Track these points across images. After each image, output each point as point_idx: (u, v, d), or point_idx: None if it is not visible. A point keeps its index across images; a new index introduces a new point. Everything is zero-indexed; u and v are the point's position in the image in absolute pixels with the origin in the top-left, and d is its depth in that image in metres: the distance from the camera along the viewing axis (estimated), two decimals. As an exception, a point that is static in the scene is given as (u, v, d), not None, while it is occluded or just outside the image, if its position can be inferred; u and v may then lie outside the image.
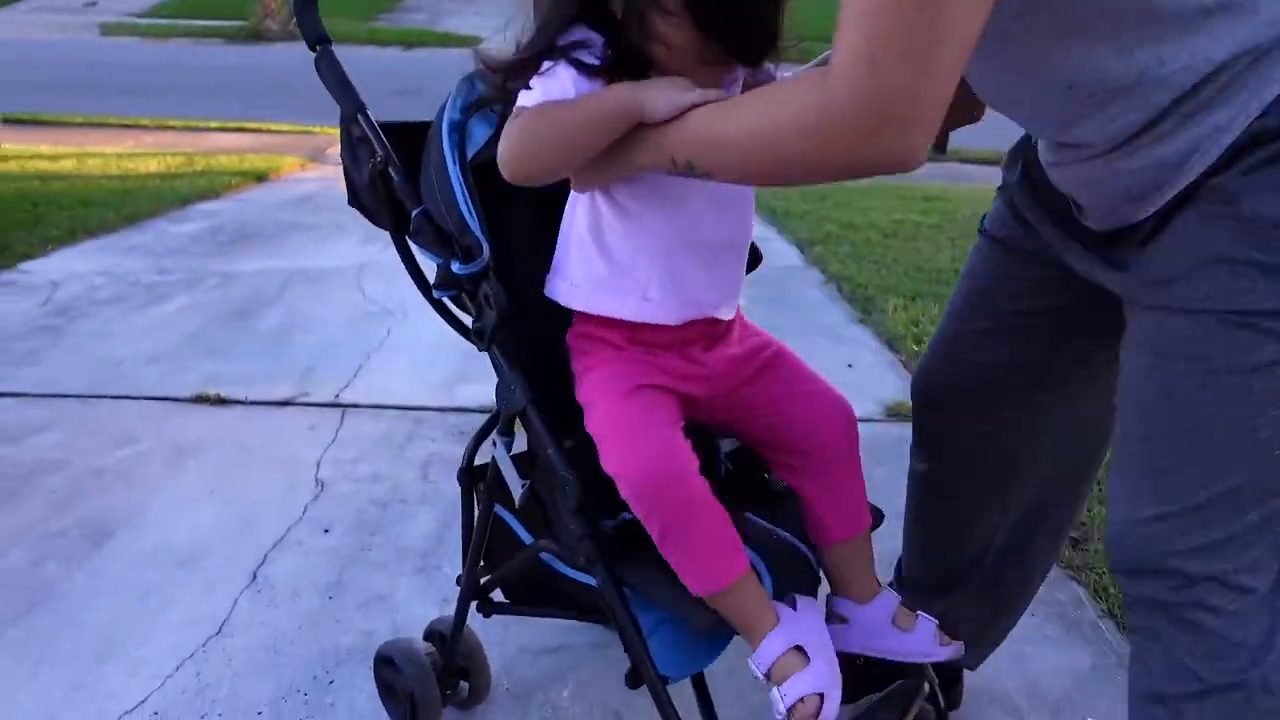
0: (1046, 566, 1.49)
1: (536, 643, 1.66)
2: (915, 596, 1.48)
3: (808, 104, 0.83)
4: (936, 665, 1.54)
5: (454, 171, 1.15)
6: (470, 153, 1.20)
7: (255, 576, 1.83)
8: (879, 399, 2.78)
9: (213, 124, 8.15)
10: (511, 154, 0.98)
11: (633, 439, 1.04)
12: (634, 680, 1.11)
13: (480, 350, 1.18)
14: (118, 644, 1.63)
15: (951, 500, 1.42)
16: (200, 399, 2.59)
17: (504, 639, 1.66)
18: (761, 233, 4.90)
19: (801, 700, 1.02)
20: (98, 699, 1.50)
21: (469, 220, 1.13)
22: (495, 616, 1.66)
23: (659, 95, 0.93)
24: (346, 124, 1.25)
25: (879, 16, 0.77)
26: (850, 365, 3.03)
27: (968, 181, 6.39)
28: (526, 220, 1.24)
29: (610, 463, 1.04)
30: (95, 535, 1.94)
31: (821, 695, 1.02)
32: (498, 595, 1.40)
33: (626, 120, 0.94)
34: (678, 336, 1.11)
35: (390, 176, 1.20)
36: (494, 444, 1.20)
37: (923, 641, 1.20)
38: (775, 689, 1.04)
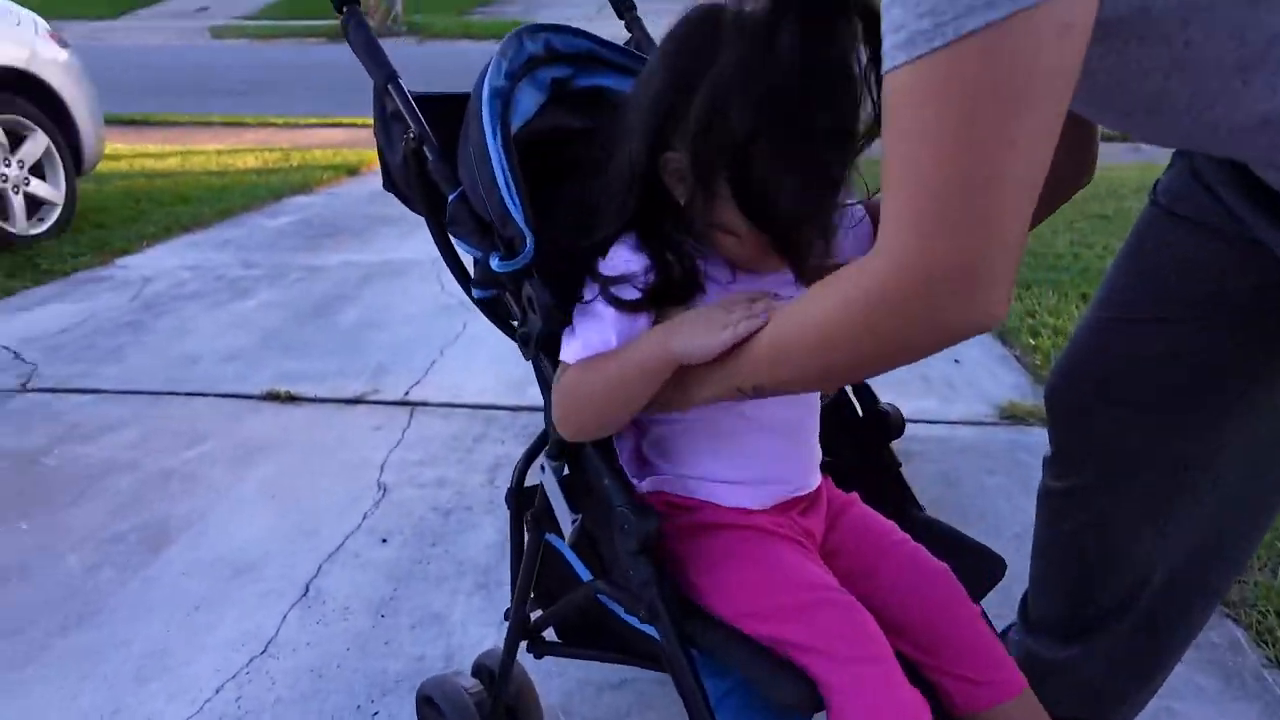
0: (1212, 608, 1.24)
1: (599, 676, 1.50)
2: (1047, 641, 1.26)
3: (859, 294, 0.72)
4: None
5: (495, 149, 0.98)
6: (516, 125, 1.03)
7: (307, 590, 1.72)
8: (989, 399, 2.51)
9: (311, 119, 8.30)
10: (563, 414, 0.94)
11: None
12: (698, 762, 0.92)
13: (526, 359, 1.02)
14: (163, 662, 1.54)
15: (1100, 523, 1.18)
16: (271, 396, 2.53)
17: (564, 671, 1.51)
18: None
19: None
20: (134, 724, 1.41)
21: (511, 208, 0.95)
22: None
23: (693, 340, 0.85)
24: (379, 96, 1.10)
25: (926, 176, 0.63)
26: (957, 361, 2.76)
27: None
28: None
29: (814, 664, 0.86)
30: (154, 541, 1.87)
31: None
32: (551, 633, 1.24)
33: (667, 369, 0.87)
34: (777, 510, 0.99)
35: (424, 155, 1.05)
36: (542, 469, 1.04)
37: None
38: None
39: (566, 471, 1.01)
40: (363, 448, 2.26)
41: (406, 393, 2.57)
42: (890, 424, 1.13)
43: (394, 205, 3.19)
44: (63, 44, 4.41)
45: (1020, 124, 0.61)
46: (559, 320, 0.95)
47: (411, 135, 1.05)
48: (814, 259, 0.89)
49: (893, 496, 1.13)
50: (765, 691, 0.88)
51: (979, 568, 1.02)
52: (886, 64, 0.64)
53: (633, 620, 1.02)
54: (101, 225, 4.44)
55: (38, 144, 4.16)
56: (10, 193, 4.04)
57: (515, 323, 1.02)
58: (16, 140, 4.07)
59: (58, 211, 4.27)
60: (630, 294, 0.89)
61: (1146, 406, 1.08)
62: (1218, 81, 0.72)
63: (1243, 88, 0.71)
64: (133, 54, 13.28)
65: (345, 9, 1.09)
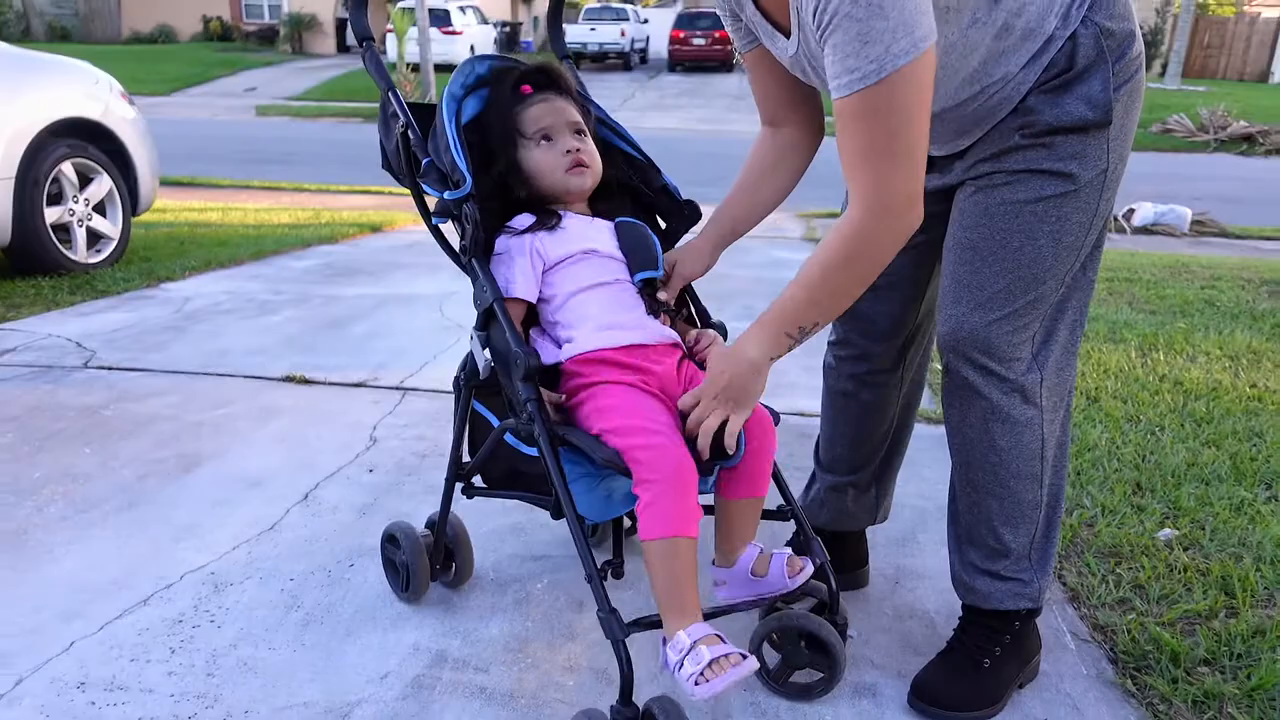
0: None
1: (525, 551, 1.95)
2: (838, 476, 1.80)
3: (845, 233, 1.28)
4: (842, 553, 1.79)
5: (450, 128, 1.51)
6: (465, 119, 1.57)
7: (307, 496, 2.19)
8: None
9: (342, 187, 9.04)
10: None
11: (642, 418, 1.36)
12: (555, 512, 1.39)
13: (464, 264, 1.52)
14: (193, 532, 2.01)
15: (866, 376, 1.71)
16: (288, 379, 3.04)
17: (499, 547, 1.96)
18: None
19: (726, 657, 1.24)
20: (170, 564, 1.87)
21: (458, 160, 1.48)
22: (492, 530, 1.98)
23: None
24: (383, 103, 1.63)
25: (877, 149, 1.22)
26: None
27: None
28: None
29: (635, 459, 1.31)
30: (187, 464, 2.36)
31: (744, 655, 1.26)
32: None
33: None
34: (637, 357, 1.46)
35: (409, 137, 1.58)
36: (472, 337, 1.53)
37: (775, 581, 1.47)
38: (688, 658, 1.25)
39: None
40: (360, 414, 2.74)
41: (401, 381, 3.07)
42: (720, 330, 1.62)
43: (409, 255, 4.06)
44: (130, 102, 5.10)
45: (922, 109, 1.19)
46: (482, 230, 1.46)
47: (402, 124, 1.58)
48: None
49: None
50: (592, 452, 1.34)
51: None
52: (842, 92, 1.20)
53: (530, 451, 1.49)
54: (148, 259, 5.03)
55: (102, 186, 4.79)
56: (75, 225, 4.65)
57: (459, 243, 1.52)
58: (85, 181, 4.70)
59: (113, 245, 4.87)
60: (521, 225, 1.54)
61: (891, 285, 1.60)
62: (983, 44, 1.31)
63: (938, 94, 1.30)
64: (183, 126, 14.29)
65: (363, 42, 1.63)
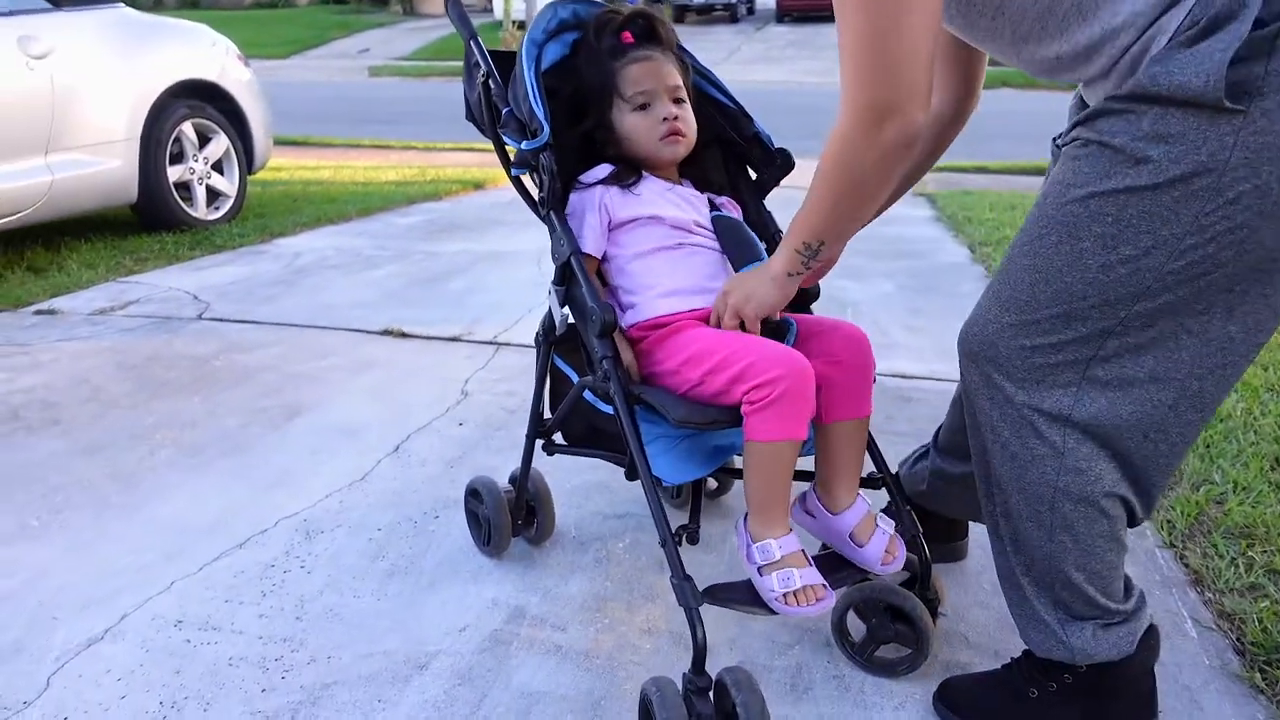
0: None
1: (609, 509, 1.92)
2: (953, 460, 1.62)
3: (832, 145, 1.13)
4: (940, 523, 1.68)
5: (529, 75, 1.46)
6: (545, 65, 1.51)
7: (398, 448, 2.22)
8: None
9: (447, 145, 9.17)
10: None
11: (760, 345, 1.30)
12: (629, 473, 1.35)
13: (542, 215, 1.48)
14: (288, 480, 2.06)
15: None
16: (387, 332, 3.10)
17: (582, 504, 1.94)
18: (935, 234, 4.92)
19: (812, 588, 1.24)
20: (266, 510, 1.93)
21: (536, 109, 1.43)
22: (576, 486, 1.95)
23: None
24: (466, 55, 1.59)
25: (855, 48, 1.06)
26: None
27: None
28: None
29: (751, 366, 1.25)
30: (289, 412, 2.43)
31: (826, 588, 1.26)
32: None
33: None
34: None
35: (490, 86, 1.53)
36: (550, 292, 1.49)
37: (869, 556, 1.37)
38: (775, 573, 1.25)
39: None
40: (454, 369, 2.77)
41: (495, 336, 3.08)
42: (809, 292, 1.54)
43: (508, 213, 4.02)
44: (245, 64, 5.26)
45: (912, 12, 1.01)
46: (557, 181, 1.41)
47: (483, 73, 1.54)
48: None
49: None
50: (667, 412, 1.29)
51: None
52: None
53: (606, 406, 1.45)
54: (263, 215, 5.22)
55: (219, 145, 4.98)
56: (196, 184, 4.85)
57: (538, 194, 1.48)
58: (203, 141, 4.89)
59: (230, 202, 5.07)
60: (592, 180, 1.48)
61: None
62: (1025, 27, 1.13)
63: (1041, 32, 1.11)
64: (299, 88, 14.78)
65: (447, -8, 1.60)
